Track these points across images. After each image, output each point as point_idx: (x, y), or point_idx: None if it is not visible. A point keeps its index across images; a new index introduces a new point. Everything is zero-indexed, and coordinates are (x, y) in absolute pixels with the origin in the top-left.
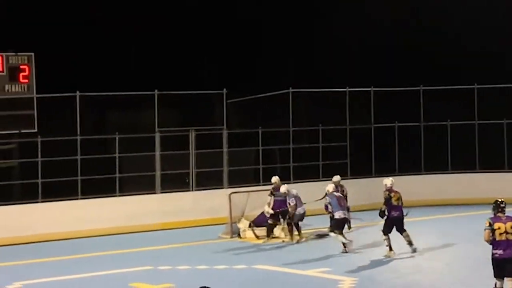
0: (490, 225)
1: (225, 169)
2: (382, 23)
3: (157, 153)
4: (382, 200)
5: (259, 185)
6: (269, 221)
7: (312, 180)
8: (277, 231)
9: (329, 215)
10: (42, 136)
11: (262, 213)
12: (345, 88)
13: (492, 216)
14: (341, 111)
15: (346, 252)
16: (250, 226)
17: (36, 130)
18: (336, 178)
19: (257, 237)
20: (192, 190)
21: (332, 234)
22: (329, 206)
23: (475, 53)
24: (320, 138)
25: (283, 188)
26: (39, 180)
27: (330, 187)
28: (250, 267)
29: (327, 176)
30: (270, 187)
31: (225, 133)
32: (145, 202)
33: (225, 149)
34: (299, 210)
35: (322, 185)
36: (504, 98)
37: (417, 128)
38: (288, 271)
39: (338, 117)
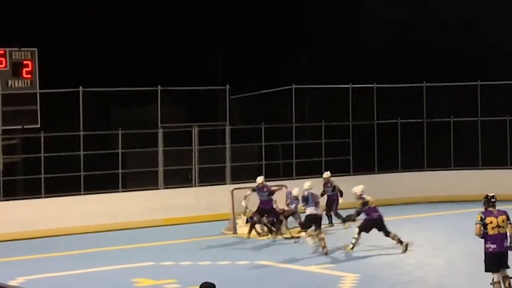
0: (482, 219)
1: (228, 165)
2: (384, 20)
3: (160, 149)
4: (384, 197)
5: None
6: (254, 218)
7: (314, 176)
8: (258, 228)
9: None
10: (45, 132)
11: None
12: (348, 84)
13: (483, 210)
14: (344, 108)
15: (325, 253)
16: (247, 221)
17: (39, 126)
18: (326, 174)
19: (258, 233)
20: (195, 186)
21: (302, 234)
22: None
23: (479, 50)
24: (323, 134)
25: (296, 191)
26: (42, 176)
27: (306, 184)
28: (252, 263)
29: (330, 172)
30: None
31: (228, 129)
32: (148, 198)
33: (227, 145)
34: (293, 208)
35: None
36: (507, 95)
37: (420, 125)
38: (290, 267)
39: (341, 113)
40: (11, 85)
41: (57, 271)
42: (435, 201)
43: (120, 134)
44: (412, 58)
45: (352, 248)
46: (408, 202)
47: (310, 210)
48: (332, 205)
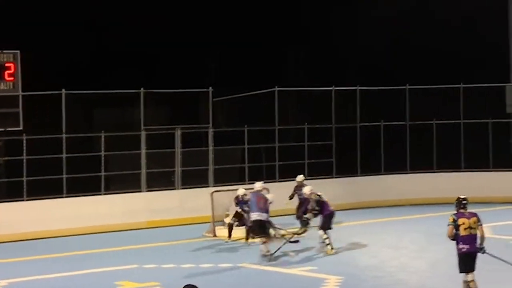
0: (454, 221)
1: (211, 167)
2: (369, 22)
3: (143, 151)
4: (367, 199)
5: (245, 184)
6: (231, 221)
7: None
8: (238, 231)
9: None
10: (27, 134)
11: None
12: (331, 87)
13: (455, 212)
14: (327, 110)
15: (269, 257)
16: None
17: (21, 128)
18: (300, 177)
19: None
20: (178, 189)
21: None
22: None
23: (460, 53)
24: (306, 137)
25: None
26: (24, 178)
27: (257, 184)
28: (235, 266)
29: (313, 175)
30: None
31: (210, 132)
32: (131, 201)
33: (210, 148)
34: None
35: (307, 184)
36: (490, 98)
37: (402, 127)
38: (273, 270)
39: (324, 116)
40: None
41: (40, 274)
42: (418, 203)
43: (103, 136)
44: (395, 61)
45: (332, 248)
46: (391, 205)
47: (254, 216)
48: (301, 208)
